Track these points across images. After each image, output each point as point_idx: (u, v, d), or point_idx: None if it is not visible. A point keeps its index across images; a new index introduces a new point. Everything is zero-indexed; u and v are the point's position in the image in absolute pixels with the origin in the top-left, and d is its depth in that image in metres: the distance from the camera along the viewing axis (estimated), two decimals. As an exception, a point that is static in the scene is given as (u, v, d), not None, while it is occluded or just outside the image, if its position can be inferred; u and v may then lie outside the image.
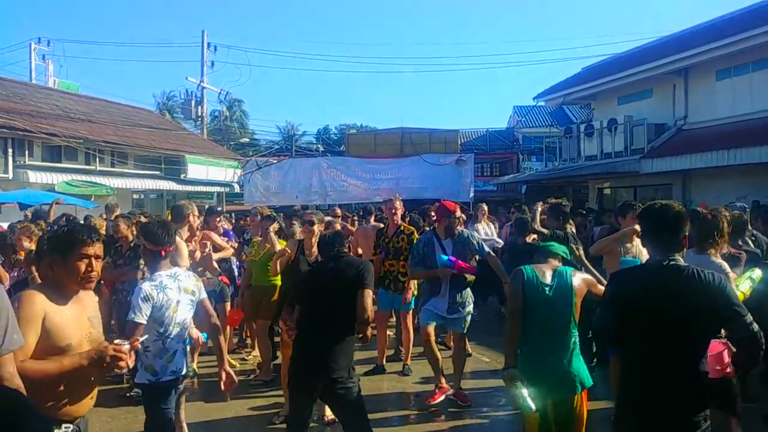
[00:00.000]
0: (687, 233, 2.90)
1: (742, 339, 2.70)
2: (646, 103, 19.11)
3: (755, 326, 2.67)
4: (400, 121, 67.82)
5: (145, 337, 3.25)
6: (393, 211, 7.44)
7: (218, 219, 8.22)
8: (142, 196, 24.80)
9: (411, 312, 7.23)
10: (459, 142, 28.94)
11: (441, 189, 21.16)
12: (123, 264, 6.67)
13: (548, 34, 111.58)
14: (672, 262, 2.78)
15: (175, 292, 3.88)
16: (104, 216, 10.24)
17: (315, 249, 5.66)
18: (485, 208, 10.30)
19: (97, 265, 2.79)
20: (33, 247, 6.15)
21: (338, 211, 11.15)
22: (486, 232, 9.87)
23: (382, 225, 8.11)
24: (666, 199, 13.37)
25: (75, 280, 2.72)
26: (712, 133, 15.92)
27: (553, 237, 6.01)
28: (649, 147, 17.66)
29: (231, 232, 9.08)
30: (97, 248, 2.78)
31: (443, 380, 6.11)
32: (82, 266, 2.71)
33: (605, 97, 20.89)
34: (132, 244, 6.71)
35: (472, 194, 22.52)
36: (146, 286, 3.80)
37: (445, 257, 5.93)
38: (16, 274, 6.43)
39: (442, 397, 6.06)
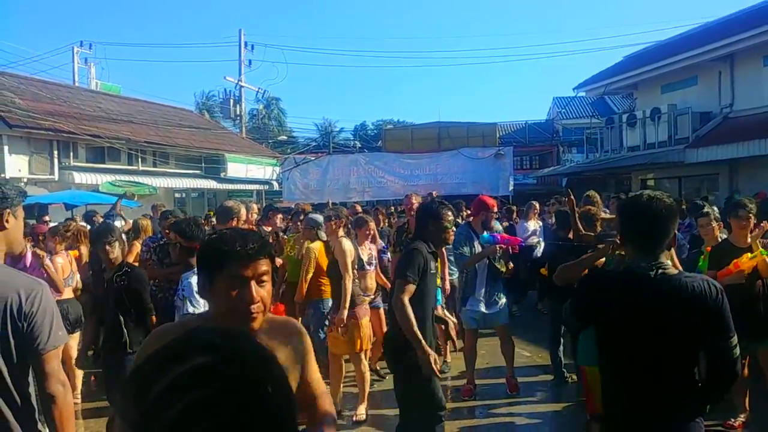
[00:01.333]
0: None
1: (718, 361, 2.38)
2: (691, 91, 18.58)
3: (737, 351, 2.38)
4: (437, 116, 67.61)
5: None
6: (410, 206, 7.41)
7: (278, 216, 8.45)
8: (184, 195, 25.21)
9: (439, 307, 7.19)
10: (497, 136, 28.60)
11: (479, 184, 20.97)
12: (170, 264, 6.72)
13: (588, 23, 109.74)
14: (661, 271, 2.36)
15: None
16: (150, 215, 10.40)
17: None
18: (536, 206, 10.16)
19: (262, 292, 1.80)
20: (60, 248, 6.24)
21: (357, 207, 11.12)
22: (536, 230, 9.73)
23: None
24: (713, 189, 12.99)
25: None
26: (760, 120, 15.39)
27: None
28: (694, 136, 17.19)
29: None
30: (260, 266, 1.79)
31: (472, 378, 6.26)
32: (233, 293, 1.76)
33: (648, 85, 20.39)
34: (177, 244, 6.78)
35: (511, 188, 22.26)
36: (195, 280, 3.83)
37: (487, 235, 5.94)
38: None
39: (469, 395, 6.16)
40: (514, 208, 11.53)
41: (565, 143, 29.80)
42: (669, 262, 2.45)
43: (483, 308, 6.03)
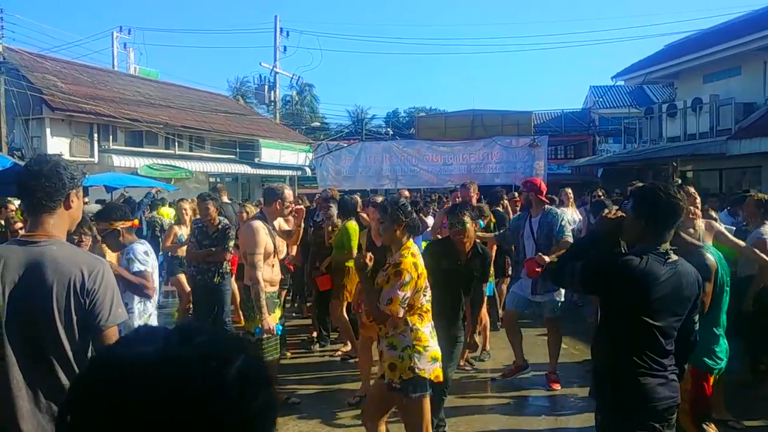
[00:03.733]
0: None
1: (692, 333, 2.90)
2: (734, 81, 18.12)
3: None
4: (470, 103, 67.06)
5: None
6: (468, 197, 7.32)
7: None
8: (218, 180, 25.50)
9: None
10: (532, 124, 28.29)
11: (513, 174, 20.78)
12: (209, 245, 6.83)
13: (627, 11, 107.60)
14: (670, 257, 2.76)
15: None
16: (192, 199, 10.49)
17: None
18: (570, 193, 9.95)
19: None
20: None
21: (405, 193, 11.00)
22: (574, 218, 9.49)
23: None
24: (755, 182, 12.62)
25: None
26: (807, 111, 14.97)
27: None
28: (736, 127, 16.77)
29: None
30: None
31: (521, 358, 6.19)
32: None
33: (689, 75, 19.93)
34: (219, 226, 6.87)
35: (545, 178, 22.03)
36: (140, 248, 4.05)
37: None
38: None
39: (517, 374, 6.15)
40: (555, 198, 11.30)
41: (601, 133, 29.33)
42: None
43: (528, 292, 5.96)
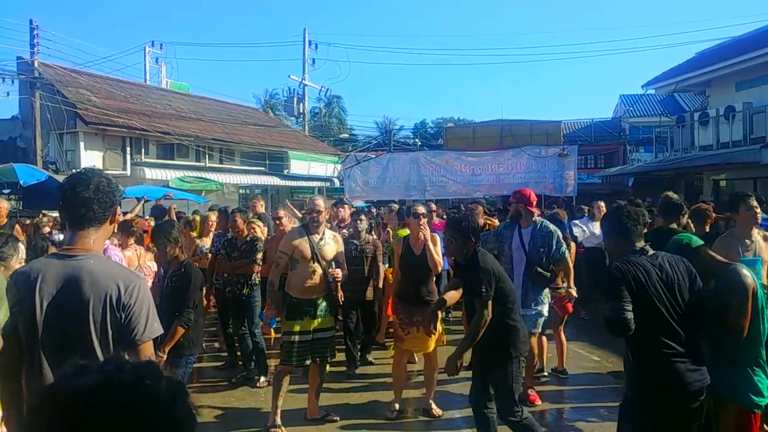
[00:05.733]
0: None
1: (701, 305, 3.26)
2: (768, 88, 17.77)
3: None
4: (498, 113, 66.87)
5: None
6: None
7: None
8: (248, 191, 25.73)
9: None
10: (562, 134, 28.02)
11: (542, 184, 20.57)
12: (238, 257, 6.88)
13: (657, 19, 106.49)
14: (648, 251, 3.30)
15: None
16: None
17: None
18: (603, 206, 9.77)
19: None
20: (130, 241, 6.43)
21: (421, 209, 10.96)
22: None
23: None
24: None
25: None
26: (844, 119, 14.59)
27: None
28: (771, 136, 16.42)
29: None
30: None
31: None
32: None
33: (721, 83, 19.60)
34: (248, 238, 6.93)
35: (575, 188, 21.78)
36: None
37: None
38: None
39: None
40: (585, 208, 11.13)
41: (632, 142, 28.95)
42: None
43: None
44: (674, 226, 5.42)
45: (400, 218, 8.80)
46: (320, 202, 5.49)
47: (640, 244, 3.35)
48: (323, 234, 5.40)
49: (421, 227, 5.75)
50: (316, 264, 5.25)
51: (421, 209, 6.09)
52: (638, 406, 3.20)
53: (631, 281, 3.13)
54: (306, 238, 5.27)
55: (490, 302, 4.13)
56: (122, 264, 5.66)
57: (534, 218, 5.87)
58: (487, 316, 4.11)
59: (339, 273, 5.41)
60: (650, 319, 3.11)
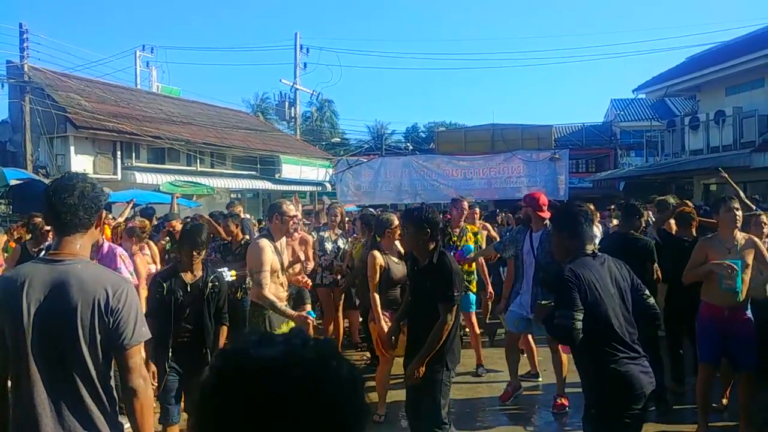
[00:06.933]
0: None
1: (645, 309, 3.38)
2: (758, 93, 17.89)
3: None
4: (490, 117, 66.96)
5: None
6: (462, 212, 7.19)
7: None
8: (239, 196, 25.64)
9: (473, 313, 7.12)
10: (553, 138, 28.14)
11: (534, 188, 20.65)
12: (232, 261, 6.85)
13: (647, 24, 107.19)
14: (597, 255, 3.32)
15: None
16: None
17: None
18: (592, 209, 9.78)
19: None
20: (136, 248, 6.38)
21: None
22: (595, 234, 9.37)
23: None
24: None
25: None
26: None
27: None
28: (761, 140, 16.56)
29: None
30: None
31: (515, 379, 6.11)
32: None
33: (712, 87, 19.74)
34: (242, 242, 6.90)
35: (566, 192, 21.86)
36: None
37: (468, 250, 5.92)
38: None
39: (512, 397, 6.02)
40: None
41: (623, 146, 29.08)
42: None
43: (525, 312, 5.79)
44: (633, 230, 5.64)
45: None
46: (292, 208, 5.14)
47: (591, 247, 3.35)
48: (282, 242, 5.08)
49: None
50: (284, 276, 5.04)
51: (396, 220, 5.95)
52: (600, 413, 3.21)
53: (586, 287, 3.10)
54: (275, 248, 4.87)
55: (455, 308, 4.03)
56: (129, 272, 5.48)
57: (545, 222, 5.79)
58: (450, 321, 3.97)
59: (308, 281, 5.45)
60: (604, 324, 3.11)
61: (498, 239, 7.65)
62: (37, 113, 18.07)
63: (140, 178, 19.20)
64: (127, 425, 2.48)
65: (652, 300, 3.43)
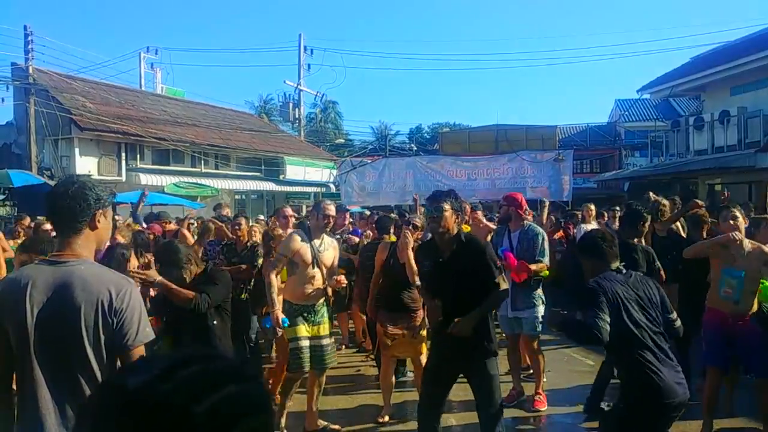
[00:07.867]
0: None
1: (672, 328, 3.59)
2: (762, 93, 17.81)
3: None
4: (494, 118, 66.97)
5: None
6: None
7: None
8: (244, 197, 25.70)
9: None
10: (557, 138, 28.08)
11: (538, 189, 20.60)
12: (238, 262, 6.84)
13: (652, 24, 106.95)
14: (622, 270, 3.56)
15: None
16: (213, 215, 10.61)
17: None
18: (592, 208, 9.83)
19: None
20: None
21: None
22: None
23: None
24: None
25: None
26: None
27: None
28: (765, 140, 16.48)
29: (359, 231, 9.25)
30: None
31: (518, 383, 6.13)
32: None
33: (716, 87, 19.68)
34: (248, 244, 6.89)
35: (570, 193, 21.81)
36: None
37: (502, 249, 5.80)
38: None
39: (516, 400, 6.00)
40: (579, 213, 11.13)
41: (627, 147, 29.01)
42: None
43: (508, 311, 5.84)
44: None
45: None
46: (333, 208, 5.37)
47: (615, 264, 3.56)
48: (323, 239, 5.30)
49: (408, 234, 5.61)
50: (316, 269, 5.16)
51: (418, 220, 6.15)
52: (628, 415, 3.38)
53: (611, 295, 3.29)
54: (307, 242, 5.14)
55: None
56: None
57: (523, 221, 5.96)
58: (505, 286, 4.27)
59: (344, 280, 5.41)
60: (629, 334, 3.27)
61: None
62: (42, 115, 18.14)
63: (145, 179, 19.24)
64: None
65: (678, 323, 3.61)
